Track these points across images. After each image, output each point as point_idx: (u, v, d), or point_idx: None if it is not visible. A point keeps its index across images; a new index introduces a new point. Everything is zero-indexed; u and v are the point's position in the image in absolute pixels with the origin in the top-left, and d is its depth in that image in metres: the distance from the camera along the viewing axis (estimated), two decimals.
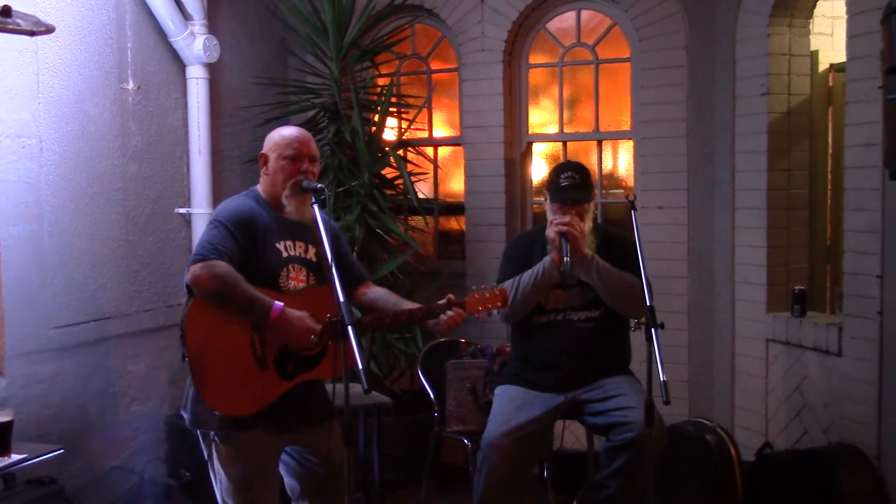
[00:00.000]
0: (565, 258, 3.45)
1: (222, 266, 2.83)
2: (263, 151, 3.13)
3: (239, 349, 2.90)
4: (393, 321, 3.15)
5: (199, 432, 3.05)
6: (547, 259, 3.62)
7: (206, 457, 3.07)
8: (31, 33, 3.50)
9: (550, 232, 3.56)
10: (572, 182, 3.62)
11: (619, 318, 3.72)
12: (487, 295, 3.16)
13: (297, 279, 3.07)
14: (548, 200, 3.68)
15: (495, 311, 3.22)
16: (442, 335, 3.29)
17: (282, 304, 2.88)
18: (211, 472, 3.07)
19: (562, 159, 5.42)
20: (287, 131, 3.13)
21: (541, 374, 3.71)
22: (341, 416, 2.76)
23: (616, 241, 3.72)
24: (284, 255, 3.05)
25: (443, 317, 3.07)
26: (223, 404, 2.91)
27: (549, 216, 3.64)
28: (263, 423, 2.96)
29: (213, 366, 2.87)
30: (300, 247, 3.10)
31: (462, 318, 3.10)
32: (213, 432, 2.98)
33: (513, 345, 3.96)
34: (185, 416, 3.03)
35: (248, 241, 2.96)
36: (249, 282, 2.90)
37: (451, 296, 3.12)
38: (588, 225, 3.61)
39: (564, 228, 3.49)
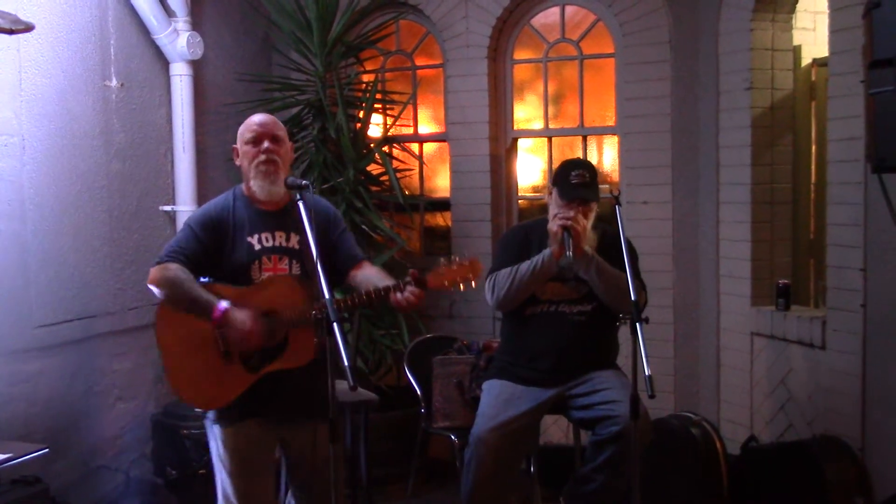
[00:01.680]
0: (567, 252, 3.46)
1: (172, 268, 2.97)
2: (234, 145, 3.18)
3: (205, 345, 2.96)
4: (352, 305, 2.97)
5: (205, 421, 3.15)
6: (547, 251, 3.62)
7: (209, 445, 3.14)
8: (10, 31, 3.48)
9: (553, 225, 3.56)
10: (582, 180, 3.61)
11: (611, 313, 3.73)
12: (455, 267, 2.93)
13: (273, 270, 3.08)
14: (554, 194, 3.68)
15: (468, 284, 2.94)
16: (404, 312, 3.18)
17: (225, 305, 2.90)
18: (214, 459, 3.13)
19: (547, 155, 5.44)
20: (249, 119, 3.15)
21: (529, 366, 3.72)
22: (328, 413, 2.74)
23: (615, 240, 3.70)
24: (257, 248, 3.07)
25: (399, 296, 2.92)
26: (195, 399, 3.08)
27: (553, 210, 3.64)
28: (259, 415, 3.03)
29: (183, 362, 3.01)
30: (280, 236, 3.10)
31: (422, 298, 2.91)
32: (212, 421, 3.08)
33: (502, 337, 3.97)
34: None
35: (212, 239, 3.05)
36: (220, 277, 3.03)
37: (413, 270, 2.96)
38: (590, 223, 3.63)
39: (568, 223, 3.50)
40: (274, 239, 3.10)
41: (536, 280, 3.66)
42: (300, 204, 2.81)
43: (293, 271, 3.09)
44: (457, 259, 2.97)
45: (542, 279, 3.67)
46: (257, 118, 3.14)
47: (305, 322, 2.90)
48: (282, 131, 3.14)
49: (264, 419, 3.05)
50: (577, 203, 3.58)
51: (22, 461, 3.40)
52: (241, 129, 3.14)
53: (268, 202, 3.11)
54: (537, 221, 3.88)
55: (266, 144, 3.06)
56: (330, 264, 3.14)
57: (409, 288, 2.91)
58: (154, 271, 2.99)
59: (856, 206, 3.94)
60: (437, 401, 4.34)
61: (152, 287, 2.99)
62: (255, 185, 3.09)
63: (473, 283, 2.96)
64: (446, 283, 2.94)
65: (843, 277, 4.04)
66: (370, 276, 3.16)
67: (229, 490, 3.06)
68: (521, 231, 3.95)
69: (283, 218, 3.10)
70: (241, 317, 2.90)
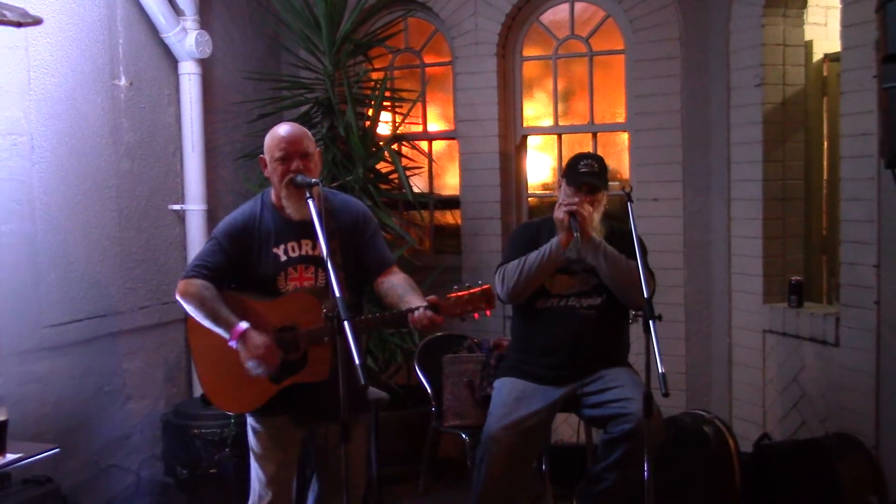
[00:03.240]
0: (576, 234, 3.46)
1: (195, 285, 3.02)
2: (262, 155, 3.13)
3: (235, 355, 2.99)
4: (367, 325, 3.13)
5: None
6: (555, 240, 3.62)
7: (249, 440, 3.23)
8: (18, 24, 3.47)
9: (559, 213, 3.56)
10: (590, 169, 3.64)
11: (621, 308, 3.71)
12: (466, 297, 2.95)
13: (299, 280, 3.09)
14: (563, 185, 3.68)
15: (482, 313, 2.99)
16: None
17: (244, 326, 2.94)
18: (250, 452, 3.22)
19: (557, 152, 5.43)
20: (277, 131, 3.09)
21: (541, 363, 3.71)
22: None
23: (622, 236, 3.70)
24: (283, 258, 3.08)
25: (416, 315, 2.92)
26: (224, 403, 3.17)
27: (561, 199, 3.64)
28: (291, 413, 3.10)
29: (213, 369, 3.10)
30: (307, 245, 3.10)
31: (435, 322, 2.92)
32: (248, 415, 3.17)
33: (513, 333, 3.95)
34: None
35: (238, 251, 3.08)
36: (247, 287, 3.08)
37: (433, 297, 2.97)
38: (598, 215, 3.63)
39: (574, 208, 3.52)
40: (300, 248, 3.10)
41: (545, 270, 3.65)
42: (309, 202, 2.80)
43: (319, 280, 3.09)
44: (470, 287, 2.98)
45: (550, 268, 3.66)
46: (284, 131, 3.07)
47: (322, 338, 2.94)
48: (311, 143, 3.09)
49: (294, 417, 3.12)
50: (583, 190, 3.59)
51: (33, 461, 3.41)
52: (269, 141, 3.07)
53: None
54: (546, 219, 3.86)
55: (296, 164, 3.01)
56: (359, 267, 3.19)
57: (424, 311, 2.91)
58: (180, 286, 3.05)
59: (869, 202, 3.92)
60: (447, 399, 4.33)
61: (179, 300, 3.06)
62: (288, 206, 3.06)
63: (488, 313, 3.00)
64: (458, 311, 2.97)
65: (856, 274, 4.01)
66: (395, 285, 3.13)
67: (256, 479, 3.16)
68: (530, 227, 3.95)
69: (310, 226, 3.04)
70: (258, 341, 2.93)
